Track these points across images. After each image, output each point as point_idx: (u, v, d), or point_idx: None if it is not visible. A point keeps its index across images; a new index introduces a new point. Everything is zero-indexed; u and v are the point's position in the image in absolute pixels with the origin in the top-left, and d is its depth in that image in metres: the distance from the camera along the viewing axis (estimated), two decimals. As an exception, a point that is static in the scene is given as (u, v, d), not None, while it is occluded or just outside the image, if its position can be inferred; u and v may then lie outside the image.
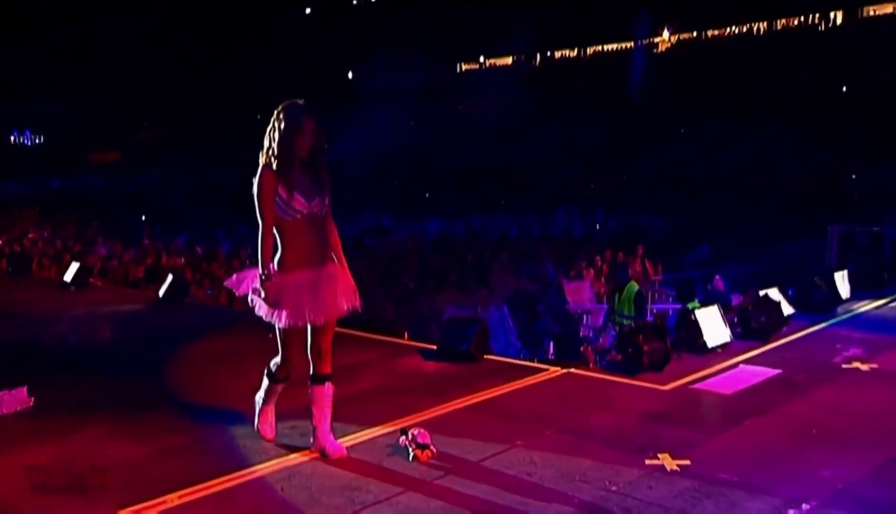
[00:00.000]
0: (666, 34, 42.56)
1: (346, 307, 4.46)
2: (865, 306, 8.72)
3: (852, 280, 9.12)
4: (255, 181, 4.25)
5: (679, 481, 4.25)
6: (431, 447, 4.65)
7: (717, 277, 11.90)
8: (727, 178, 24.53)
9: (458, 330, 6.98)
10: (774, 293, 7.71)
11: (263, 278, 4.25)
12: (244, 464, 4.56)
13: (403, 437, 4.73)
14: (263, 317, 4.39)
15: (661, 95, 32.11)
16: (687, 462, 4.46)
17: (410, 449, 4.64)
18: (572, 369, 6.56)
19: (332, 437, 4.60)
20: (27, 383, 5.89)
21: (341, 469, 4.46)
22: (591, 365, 7.10)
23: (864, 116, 25.43)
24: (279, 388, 4.77)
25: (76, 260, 12.33)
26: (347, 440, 4.83)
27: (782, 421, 5.21)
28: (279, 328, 4.47)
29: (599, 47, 44.84)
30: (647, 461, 4.48)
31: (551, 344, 9.85)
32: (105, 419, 5.46)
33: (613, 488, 4.14)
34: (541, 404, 5.72)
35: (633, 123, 31.36)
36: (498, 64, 48.50)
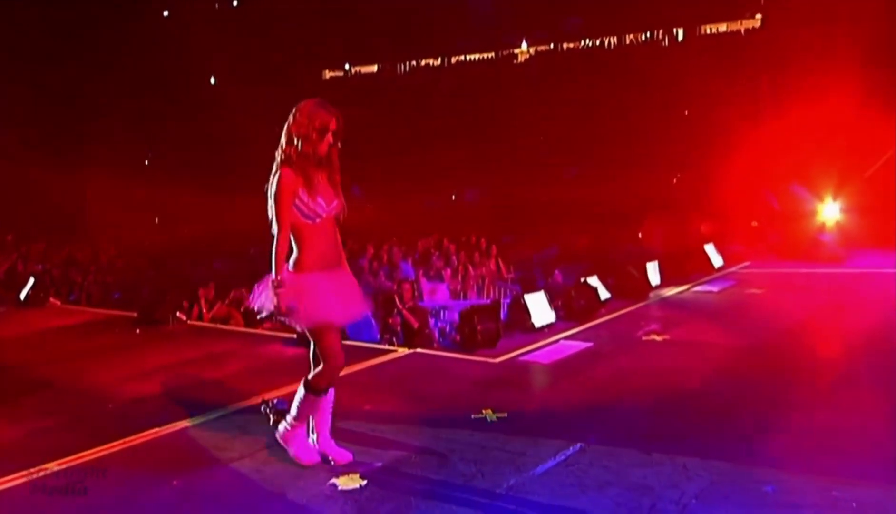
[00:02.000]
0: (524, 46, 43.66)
1: (363, 310, 4.55)
2: (671, 291, 10.12)
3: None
4: (274, 180, 4.09)
5: (496, 427, 5.19)
6: (289, 413, 5.39)
7: (557, 271, 13.17)
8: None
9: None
10: (593, 281, 8.91)
11: (276, 283, 4.07)
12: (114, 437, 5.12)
13: (265, 406, 5.44)
14: (288, 322, 4.30)
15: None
16: (504, 414, 5.41)
17: (271, 416, 5.37)
18: (418, 349, 7.46)
19: (334, 442, 4.57)
20: None
21: (213, 432, 5.15)
22: (434, 345, 8.00)
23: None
24: (322, 401, 4.45)
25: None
26: (217, 414, 5.52)
27: (586, 381, 6.30)
28: (312, 334, 4.28)
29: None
30: (473, 416, 5.40)
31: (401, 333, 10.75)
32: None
33: (443, 435, 5.02)
34: (387, 377, 6.57)
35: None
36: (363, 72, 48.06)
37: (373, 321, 11.61)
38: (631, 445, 4.78)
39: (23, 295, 10.21)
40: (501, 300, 11.62)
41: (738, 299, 9.76)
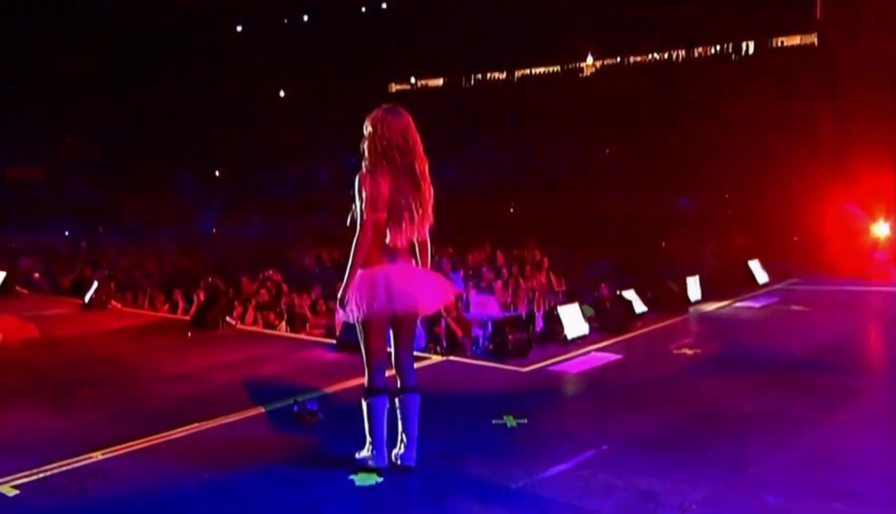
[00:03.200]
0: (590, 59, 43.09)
1: (433, 301, 4.54)
2: (710, 307, 10.12)
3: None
4: (356, 185, 4.29)
5: (515, 432, 5.37)
6: (318, 413, 5.67)
7: (603, 285, 13.24)
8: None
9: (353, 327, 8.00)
10: (629, 294, 9.00)
11: (346, 281, 4.33)
12: (155, 431, 5.47)
13: (297, 405, 5.73)
14: (347, 318, 4.45)
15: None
16: (524, 420, 5.58)
17: (302, 415, 5.66)
18: (451, 357, 7.68)
19: (415, 452, 4.56)
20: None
21: (246, 429, 5.47)
22: (468, 354, 8.21)
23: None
24: (379, 403, 4.51)
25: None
26: (251, 413, 5.84)
27: (609, 392, 6.43)
28: (360, 334, 4.48)
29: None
30: (494, 421, 5.58)
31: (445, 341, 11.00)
32: (35, 401, 6.33)
33: (461, 438, 5.23)
34: (420, 381, 6.77)
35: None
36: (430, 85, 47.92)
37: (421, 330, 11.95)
38: (643, 453, 4.91)
39: (87, 298, 10.78)
40: (536, 312, 11.76)
41: (780, 315, 9.71)
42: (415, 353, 8.04)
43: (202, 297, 11.43)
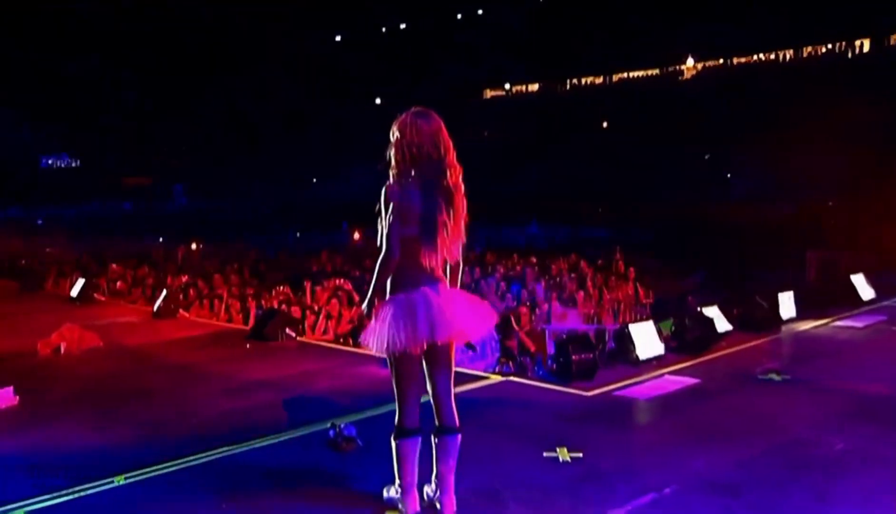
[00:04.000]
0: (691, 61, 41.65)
1: (477, 328, 4.03)
2: (805, 326, 9.21)
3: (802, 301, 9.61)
4: (381, 197, 3.84)
5: (568, 468, 4.82)
6: (357, 440, 5.26)
7: (690, 298, 12.43)
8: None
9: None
10: (710, 310, 8.25)
11: (369, 307, 3.89)
12: (187, 453, 5.19)
13: (332, 430, 5.34)
14: (373, 349, 3.86)
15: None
16: (580, 455, 5.02)
17: (337, 441, 5.26)
18: (511, 378, 7.16)
19: (454, 497, 4.09)
20: (17, 384, 6.63)
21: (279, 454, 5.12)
22: (529, 374, 7.66)
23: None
24: (409, 446, 4.01)
25: (83, 277, 13.13)
26: (289, 435, 5.50)
27: (680, 422, 5.77)
28: (392, 367, 3.99)
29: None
30: (545, 454, 5.05)
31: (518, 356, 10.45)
32: (78, 414, 6.17)
33: (506, 471, 4.72)
34: (470, 406, 6.29)
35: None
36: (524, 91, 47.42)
37: (488, 347, 11.43)
38: (711, 498, 4.31)
39: (155, 307, 10.77)
40: (611, 328, 11.08)
41: (884, 336, 8.73)
42: (469, 371, 7.71)
43: (274, 305, 11.30)
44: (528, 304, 12.23)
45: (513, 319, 10.62)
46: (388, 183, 3.86)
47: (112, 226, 28.30)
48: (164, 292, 11.13)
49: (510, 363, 10.31)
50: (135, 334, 9.70)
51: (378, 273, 3.87)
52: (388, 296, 3.91)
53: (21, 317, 10.67)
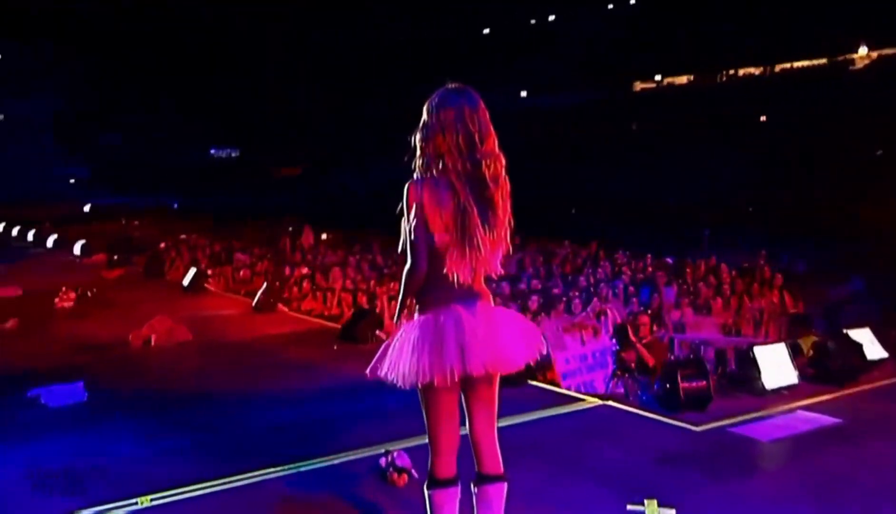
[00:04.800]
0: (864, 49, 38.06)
1: (520, 355, 3.20)
2: None
3: None
4: (404, 196, 3.16)
5: (654, 530, 3.93)
6: (412, 471, 4.57)
7: (837, 312, 10.93)
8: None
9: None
10: (860, 334, 6.95)
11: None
12: (226, 472, 4.67)
13: (384, 458, 4.67)
14: (389, 380, 3.18)
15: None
16: (672, 511, 4.11)
17: (388, 472, 4.59)
18: (609, 402, 6.24)
19: None
20: (93, 378, 6.42)
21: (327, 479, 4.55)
22: (630, 398, 6.70)
23: None
24: (444, 497, 3.29)
25: (195, 266, 13.17)
26: (343, 458, 4.88)
27: (811, 474, 4.68)
28: (422, 401, 3.27)
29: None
30: (629, 507, 4.17)
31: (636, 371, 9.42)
32: (139, 416, 5.84)
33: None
34: (552, 435, 5.47)
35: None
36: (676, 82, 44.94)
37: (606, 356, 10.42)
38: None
39: (255, 301, 10.52)
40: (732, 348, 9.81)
41: None
42: (561, 390, 6.85)
43: (384, 302, 10.83)
44: (654, 311, 11.13)
45: (630, 329, 9.63)
46: (411, 184, 3.13)
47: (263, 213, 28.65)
48: (265, 284, 10.85)
49: (626, 377, 9.35)
50: (228, 328, 9.43)
51: (403, 290, 3.19)
52: (415, 316, 3.22)
53: (132, 305, 10.66)
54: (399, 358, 3.13)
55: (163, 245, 17.81)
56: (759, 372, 6.23)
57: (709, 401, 5.84)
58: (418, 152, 3.18)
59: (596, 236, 17.20)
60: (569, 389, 9.33)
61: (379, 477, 4.58)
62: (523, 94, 44.38)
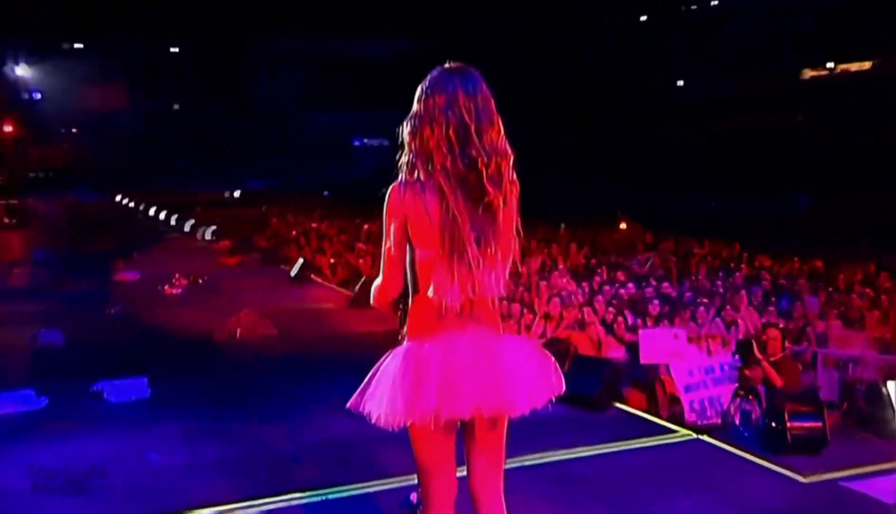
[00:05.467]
0: None
1: (518, 399, 2.56)
2: None
3: None
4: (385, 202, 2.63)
5: None
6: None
7: None
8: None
9: (588, 370, 6.12)
10: None
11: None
12: (259, 492, 4.29)
13: (415, 496, 4.12)
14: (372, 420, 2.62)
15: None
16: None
17: (417, 511, 4.04)
18: (705, 436, 5.39)
19: None
20: (166, 372, 6.28)
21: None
22: (728, 433, 5.78)
23: None
24: None
25: (302, 256, 13.09)
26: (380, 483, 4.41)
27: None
28: (412, 442, 2.71)
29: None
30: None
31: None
32: (190, 417, 5.59)
33: None
34: (630, 472, 4.73)
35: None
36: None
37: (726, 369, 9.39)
38: None
39: (352, 296, 10.23)
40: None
41: None
42: (650, 417, 5.97)
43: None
44: (793, 323, 9.95)
45: (755, 343, 8.60)
46: (394, 185, 2.59)
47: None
48: (363, 279, 10.53)
49: (750, 399, 8.33)
50: (317, 323, 9.18)
51: (376, 301, 2.74)
52: (406, 341, 2.65)
53: (236, 295, 10.63)
54: (375, 393, 2.59)
55: (294, 233, 18.01)
56: (894, 412, 5.19)
57: (823, 445, 4.90)
58: (405, 148, 2.60)
59: (738, 237, 15.84)
60: (691, 404, 8.48)
61: (409, 514, 4.05)
62: (679, 83, 42.37)
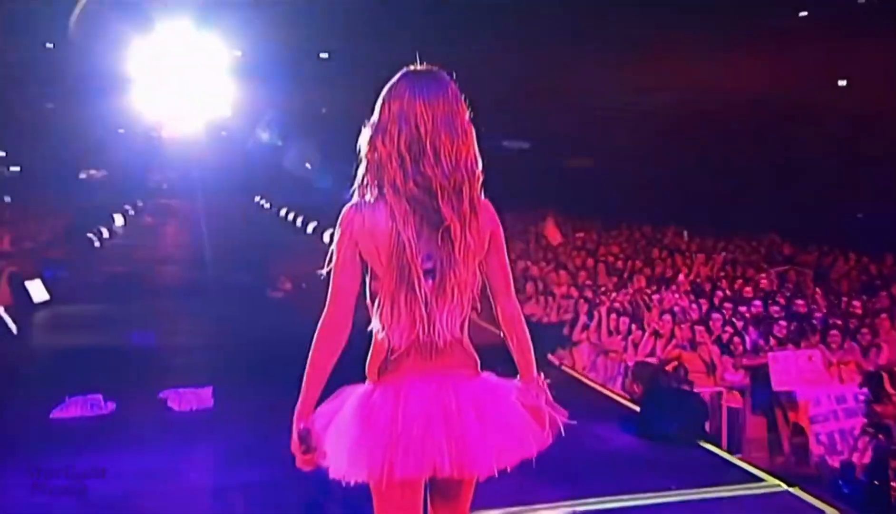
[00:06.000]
0: None
1: (493, 455, 2.22)
2: None
3: None
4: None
5: None
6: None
7: None
8: None
9: (670, 400, 5.53)
10: None
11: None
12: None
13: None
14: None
15: None
16: None
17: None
18: (796, 489, 4.68)
19: None
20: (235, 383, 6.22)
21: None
22: (825, 486, 5.01)
23: None
24: None
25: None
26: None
27: None
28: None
29: None
30: None
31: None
32: (241, 433, 5.43)
33: None
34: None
35: None
36: None
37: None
38: None
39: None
40: None
41: None
42: (736, 461, 5.22)
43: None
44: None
45: (886, 377, 7.64)
46: (348, 207, 2.30)
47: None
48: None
49: (880, 438, 7.37)
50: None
51: (313, 350, 2.33)
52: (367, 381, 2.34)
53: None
54: (322, 440, 2.28)
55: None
56: None
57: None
58: (361, 165, 2.28)
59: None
60: (817, 436, 7.63)
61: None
62: (842, 83, 39.43)
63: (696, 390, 6.90)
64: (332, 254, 2.28)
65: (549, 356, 8.57)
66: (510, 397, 2.33)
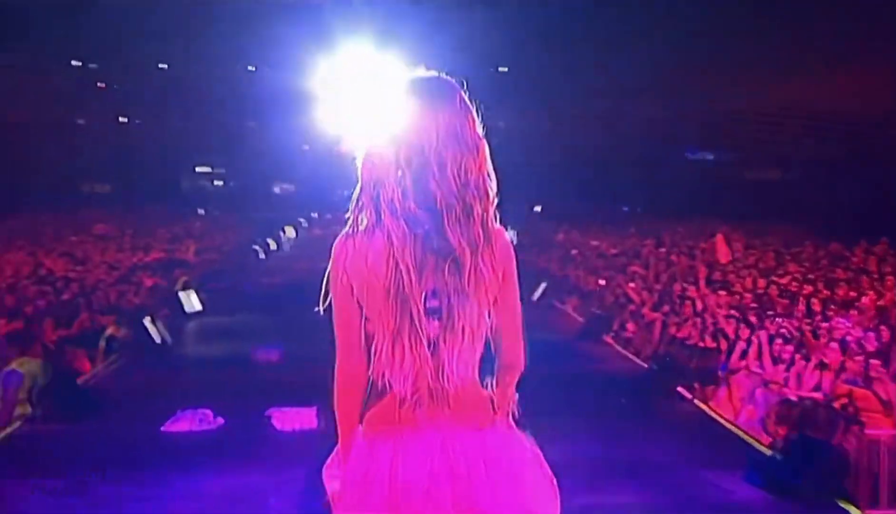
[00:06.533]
0: None
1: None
2: None
3: None
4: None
5: None
6: None
7: None
8: None
9: (802, 449, 4.80)
10: None
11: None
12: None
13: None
14: None
15: None
16: None
17: None
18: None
19: None
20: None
21: None
22: None
23: None
24: None
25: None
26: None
27: None
28: None
29: None
30: None
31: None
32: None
33: None
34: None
35: None
36: None
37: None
38: None
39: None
40: None
41: None
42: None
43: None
44: None
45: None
46: (340, 239, 2.00)
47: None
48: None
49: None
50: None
51: (336, 399, 2.05)
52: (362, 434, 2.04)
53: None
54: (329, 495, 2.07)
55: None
56: None
57: None
58: (358, 185, 2.00)
59: None
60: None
61: None
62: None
63: (867, 431, 6.08)
64: (325, 293, 1.99)
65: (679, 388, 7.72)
66: (522, 453, 2.02)
